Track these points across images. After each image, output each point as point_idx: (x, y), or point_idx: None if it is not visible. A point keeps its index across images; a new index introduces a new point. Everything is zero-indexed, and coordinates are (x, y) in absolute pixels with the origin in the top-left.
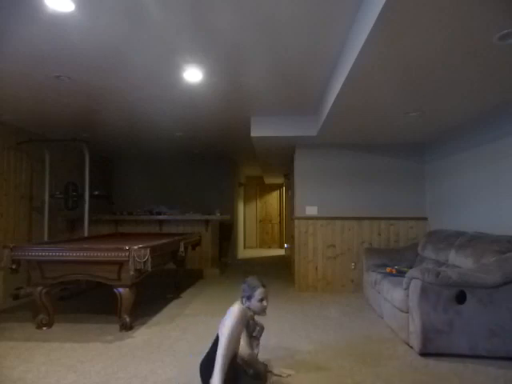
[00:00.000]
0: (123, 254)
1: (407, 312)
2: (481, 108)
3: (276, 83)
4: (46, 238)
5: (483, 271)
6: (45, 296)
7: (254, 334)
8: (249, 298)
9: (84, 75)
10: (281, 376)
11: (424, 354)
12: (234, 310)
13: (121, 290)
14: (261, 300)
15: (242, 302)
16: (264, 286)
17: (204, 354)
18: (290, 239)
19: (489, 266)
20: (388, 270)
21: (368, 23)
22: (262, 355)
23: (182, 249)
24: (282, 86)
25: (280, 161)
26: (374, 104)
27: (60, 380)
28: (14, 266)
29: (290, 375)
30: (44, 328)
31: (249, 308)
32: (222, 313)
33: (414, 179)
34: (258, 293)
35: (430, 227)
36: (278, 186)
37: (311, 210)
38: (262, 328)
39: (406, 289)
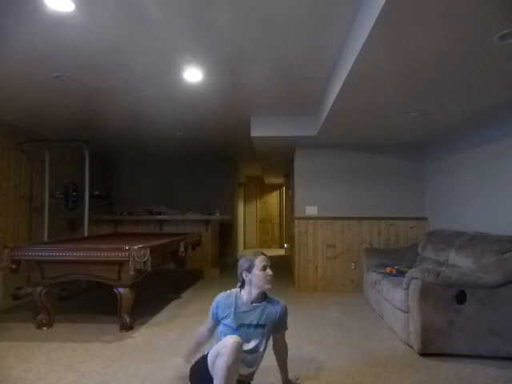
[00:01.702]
0: (123, 254)
1: (407, 312)
2: (481, 108)
3: (276, 83)
4: (45, 238)
5: (483, 271)
6: (45, 296)
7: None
8: (249, 269)
9: (84, 75)
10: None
11: (424, 354)
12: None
13: (121, 289)
14: (263, 268)
15: (244, 277)
16: (264, 254)
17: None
18: (290, 239)
19: (489, 266)
20: (388, 270)
21: (368, 23)
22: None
23: (182, 249)
24: (282, 86)
25: (280, 161)
26: (374, 104)
27: (60, 380)
28: (14, 266)
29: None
30: (44, 328)
31: (250, 282)
32: None
33: (414, 179)
34: (259, 260)
35: (429, 227)
36: (278, 186)
37: (311, 210)
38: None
39: (406, 289)
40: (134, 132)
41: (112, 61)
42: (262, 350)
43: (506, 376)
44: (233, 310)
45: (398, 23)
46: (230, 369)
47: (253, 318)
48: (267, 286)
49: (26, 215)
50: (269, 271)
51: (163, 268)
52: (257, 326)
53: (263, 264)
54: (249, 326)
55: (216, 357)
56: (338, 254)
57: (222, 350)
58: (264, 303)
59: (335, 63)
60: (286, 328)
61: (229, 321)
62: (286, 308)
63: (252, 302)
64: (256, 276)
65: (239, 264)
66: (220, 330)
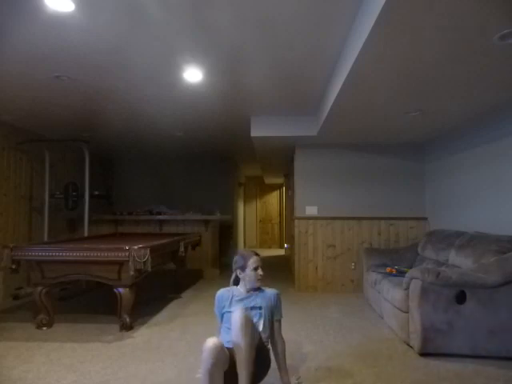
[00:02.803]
0: (123, 254)
1: (407, 312)
2: (481, 108)
3: (276, 83)
4: (46, 238)
5: (483, 271)
6: (45, 296)
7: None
8: (242, 268)
9: (84, 75)
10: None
11: (424, 354)
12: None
13: (121, 289)
14: (255, 269)
15: (238, 273)
16: (257, 254)
17: None
18: (290, 239)
19: (489, 266)
20: (388, 270)
21: (368, 23)
22: None
23: (182, 249)
24: (283, 86)
25: (280, 161)
26: (374, 104)
27: (60, 380)
28: (13, 266)
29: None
30: (44, 328)
31: (243, 279)
32: None
33: (414, 179)
34: (252, 261)
35: (429, 227)
36: (278, 186)
37: (311, 210)
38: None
39: (406, 289)
40: (134, 132)
41: (112, 61)
42: (261, 329)
43: (505, 376)
44: (230, 298)
45: (397, 23)
46: (211, 372)
47: (248, 302)
48: (257, 284)
49: (26, 215)
50: (260, 271)
51: (163, 268)
52: (253, 307)
53: (255, 265)
54: (245, 309)
55: None
56: (338, 254)
57: (202, 353)
58: (257, 292)
59: (335, 63)
60: (281, 315)
61: (226, 308)
62: (279, 295)
63: (247, 292)
64: (248, 275)
65: (234, 260)
66: (222, 324)
